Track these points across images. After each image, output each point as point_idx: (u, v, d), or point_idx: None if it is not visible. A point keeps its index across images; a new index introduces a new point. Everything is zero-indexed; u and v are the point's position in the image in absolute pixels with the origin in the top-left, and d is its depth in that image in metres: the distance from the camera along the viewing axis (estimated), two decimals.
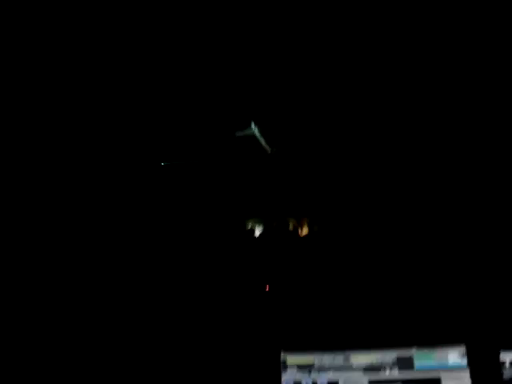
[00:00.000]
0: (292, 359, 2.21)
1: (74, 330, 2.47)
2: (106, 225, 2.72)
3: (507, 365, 2.14)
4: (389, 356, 2.17)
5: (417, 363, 2.15)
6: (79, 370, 2.38)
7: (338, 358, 2.19)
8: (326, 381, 2.19)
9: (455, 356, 2.15)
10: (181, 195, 2.81)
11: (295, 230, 2.77)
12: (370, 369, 2.17)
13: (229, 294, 2.52)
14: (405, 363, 2.15)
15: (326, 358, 2.19)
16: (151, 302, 2.52)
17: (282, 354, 2.23)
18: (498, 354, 2.13)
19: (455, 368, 2.14)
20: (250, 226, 2.81)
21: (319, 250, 2.62)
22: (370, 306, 2.34)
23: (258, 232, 2.81)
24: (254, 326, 2.37)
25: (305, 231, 2.77)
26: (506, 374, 2.13)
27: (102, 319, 2.49)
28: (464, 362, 2.14)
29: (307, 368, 2.20)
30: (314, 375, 2.20)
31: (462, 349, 2.15)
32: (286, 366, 2.22)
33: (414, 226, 2.57)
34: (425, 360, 2.15)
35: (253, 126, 2.72)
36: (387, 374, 2.16)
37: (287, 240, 2.71)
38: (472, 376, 2.11)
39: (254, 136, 2.75)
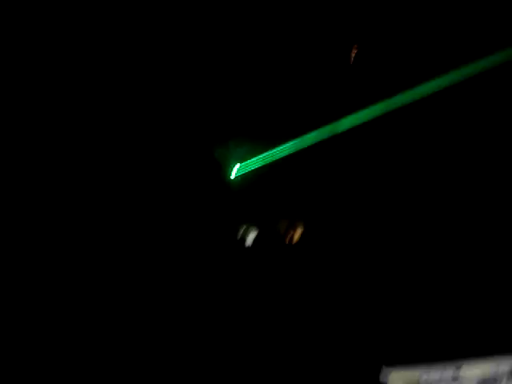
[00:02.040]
0: (396, 376, 2.05)
1: (70, 328, 2.59)
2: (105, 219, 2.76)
3: None
4: (502, 366, 1.91)
5: None
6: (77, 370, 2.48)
7: (447, 372, 1.98)
8: None
9: None
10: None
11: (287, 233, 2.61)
12: (483, 381, 1.93)
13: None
14: None
15: (434, 373, 2.00)
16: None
17: (385, 370, 2.07)
18: None
19: None
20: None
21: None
22: (478, 312, 2.09)
23: (250, 238, 2.69)
24: (354, 339, 2.24)
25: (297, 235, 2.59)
26: None
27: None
28: None
29: None
30: None
31: None
32: None
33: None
34: None
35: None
36: None
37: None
38: None
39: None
